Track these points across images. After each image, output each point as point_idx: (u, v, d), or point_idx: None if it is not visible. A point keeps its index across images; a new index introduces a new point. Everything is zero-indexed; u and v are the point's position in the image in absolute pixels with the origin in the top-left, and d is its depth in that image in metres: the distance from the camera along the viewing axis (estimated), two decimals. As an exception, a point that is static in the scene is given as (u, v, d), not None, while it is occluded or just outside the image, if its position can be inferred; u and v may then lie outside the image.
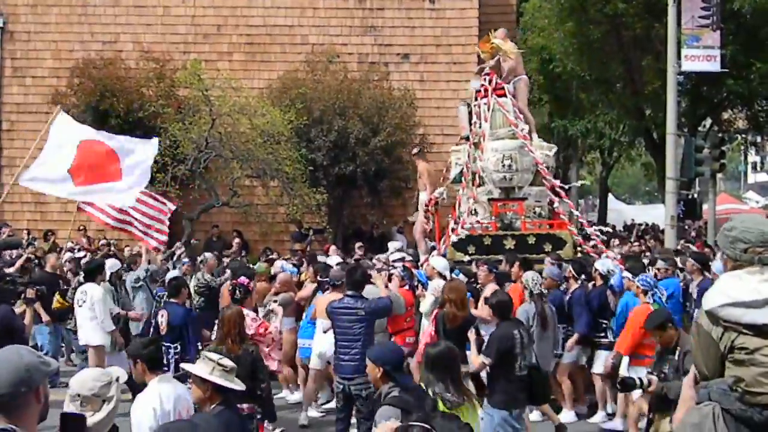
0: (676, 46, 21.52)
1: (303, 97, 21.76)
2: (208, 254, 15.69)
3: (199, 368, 6.16)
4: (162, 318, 10.74)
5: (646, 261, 14.39)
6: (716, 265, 13.41)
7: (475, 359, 8.78)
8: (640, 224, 37.21)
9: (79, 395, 4.52)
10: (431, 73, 23.72)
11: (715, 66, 21.86)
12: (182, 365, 7.31)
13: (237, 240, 20.94)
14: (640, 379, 7.80)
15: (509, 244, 14.46)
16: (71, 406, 4.52)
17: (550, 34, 29.63)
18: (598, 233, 15.88)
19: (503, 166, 15.45)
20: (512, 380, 8.54)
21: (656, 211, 37.99)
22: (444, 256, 14.05)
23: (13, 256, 16.67)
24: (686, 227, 29.66)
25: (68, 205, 19.51)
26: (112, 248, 19.87)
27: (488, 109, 16.05)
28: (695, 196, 32.62)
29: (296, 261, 16.50)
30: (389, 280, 12.34)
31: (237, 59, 24.10)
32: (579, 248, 14.94)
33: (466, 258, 14.29)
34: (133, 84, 22.00)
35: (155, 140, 16.37)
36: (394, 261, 14.08)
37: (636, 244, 23.25)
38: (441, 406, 6.36)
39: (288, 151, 20.62)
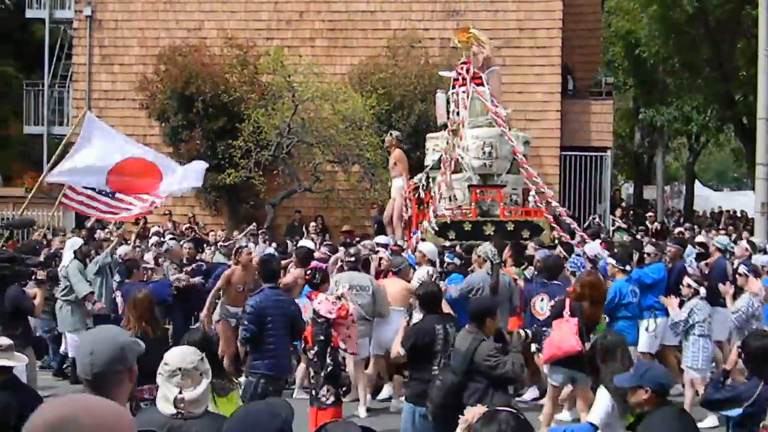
0: (768, 29, 20.89)
1: (384, 82, 21.78)
2: (172, 242, 15.28)
3: None
4: (119, 299, 10.89)
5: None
6: (688, 250, 13.97)
7: (394, 347, 8.57)
8: (728, 211, 36.34)
9: (180, 369, 4.61)
10: (514, 57, 23.32)
11: (809, 48, 21.17)
12: None
13: (313, 224, 21.09)
14: None
15: (488, 230, 14.60)
16: (169, 381, 4.59)
17: (636, 18, 29.06)
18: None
19: (484, 153, 15.44)
20: (428, 378, 7.66)
21: (745, 197, 37.01)
22: (422, 240, 14.08)
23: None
24: (776, 214, 28.81)
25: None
26: (196, 232, 20.11)
27: (467, 97, 15.98)
28: (786, 182, 31.67)
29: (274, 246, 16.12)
30: (378, 264, 12.23)
31: (319, 45, 24.21)
32: (557, 235, 14.93)
33: (447, 243, 14.32)
34: (218, 70, 22.27)
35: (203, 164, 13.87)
36: (378, 245, 13.81)
37: (723, 231, 22.68)
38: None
39: (369, 137, 20.69)
